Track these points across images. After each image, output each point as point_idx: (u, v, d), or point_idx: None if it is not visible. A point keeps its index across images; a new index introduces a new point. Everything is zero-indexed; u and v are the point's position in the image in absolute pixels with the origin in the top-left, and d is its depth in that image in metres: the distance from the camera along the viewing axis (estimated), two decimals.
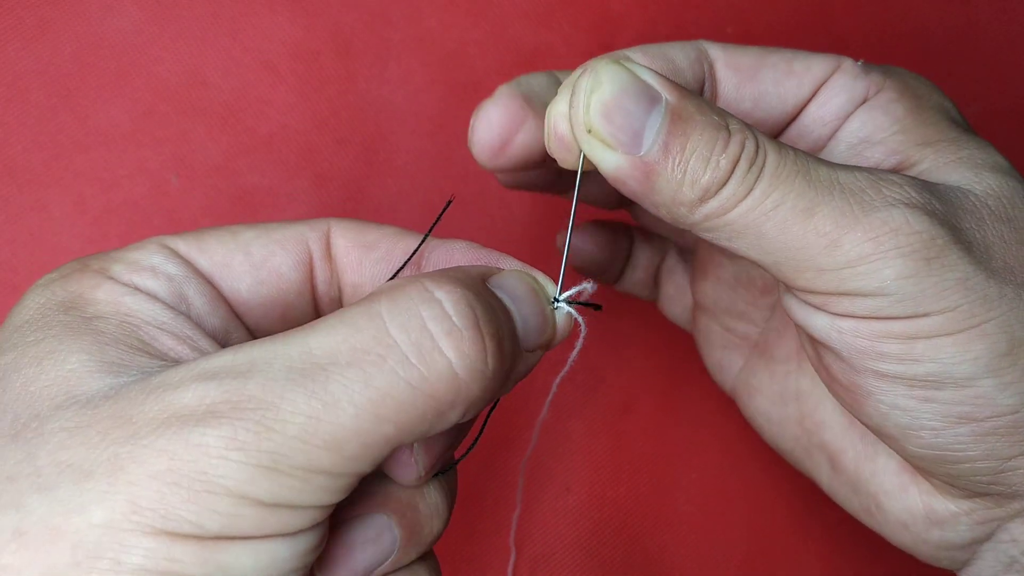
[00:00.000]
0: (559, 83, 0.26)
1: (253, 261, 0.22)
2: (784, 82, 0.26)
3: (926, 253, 0.21)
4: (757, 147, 0.21)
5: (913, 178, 0.23)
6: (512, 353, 0.20)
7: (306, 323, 0.19)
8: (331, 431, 0.17)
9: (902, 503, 0.27)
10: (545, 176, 0.27)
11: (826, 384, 0.25)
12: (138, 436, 0.17)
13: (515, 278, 0.21)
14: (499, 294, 0.20)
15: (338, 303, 0.23)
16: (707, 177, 0.21)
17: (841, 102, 0.26)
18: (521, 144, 0.25)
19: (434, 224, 0.23)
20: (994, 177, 0.23)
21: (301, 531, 0.17)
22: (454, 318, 0.18)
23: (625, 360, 0.40)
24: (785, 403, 0.30)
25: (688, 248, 0.34)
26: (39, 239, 0.37)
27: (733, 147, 0.21)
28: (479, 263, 0.23)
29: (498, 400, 0.22)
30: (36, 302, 0.21)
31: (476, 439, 0.23)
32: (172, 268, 0.21)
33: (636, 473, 0.39)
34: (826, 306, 0.23)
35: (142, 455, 0.16)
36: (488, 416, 0.23)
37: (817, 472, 0.29)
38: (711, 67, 0.26)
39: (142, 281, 0.21)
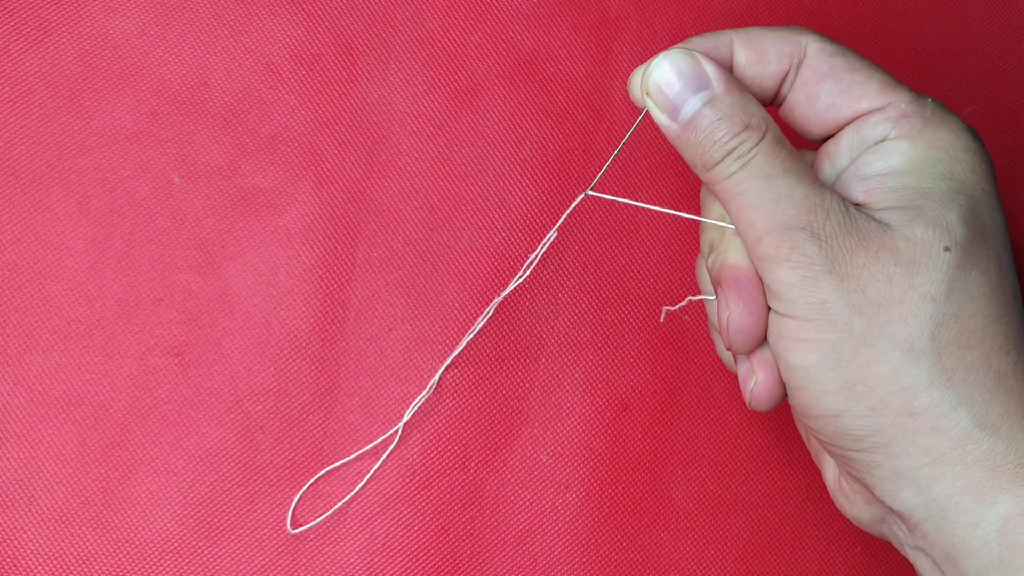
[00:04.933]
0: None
1: None
2: (836, 98, 0.30)
3: (804, 272, 0.27)
4: (755, 146, 0.28)
5: (843, 209, 0.28)
6: None
7: None
8: None
9: (834, 473, 0.33)
10: None
11: None
12: None
13: None
14: None
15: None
16: (710, 153, 0.28)
17: (866, 135, 0.29)
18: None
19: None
20: (923, 228, 0.27)
21: None
22: None
23: (624, 357, 0.40)
24: None
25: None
26: (43, 239, 0.37)
27: (736, 140, 0.28)
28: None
29: None
30: None
31: None
32: None
33: (635, 471, 0.39)
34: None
35: None
36: None
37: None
38: (801, 62, 0.30)
39: None
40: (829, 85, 0.30)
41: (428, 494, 0.38)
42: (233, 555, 0.37)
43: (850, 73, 0.30)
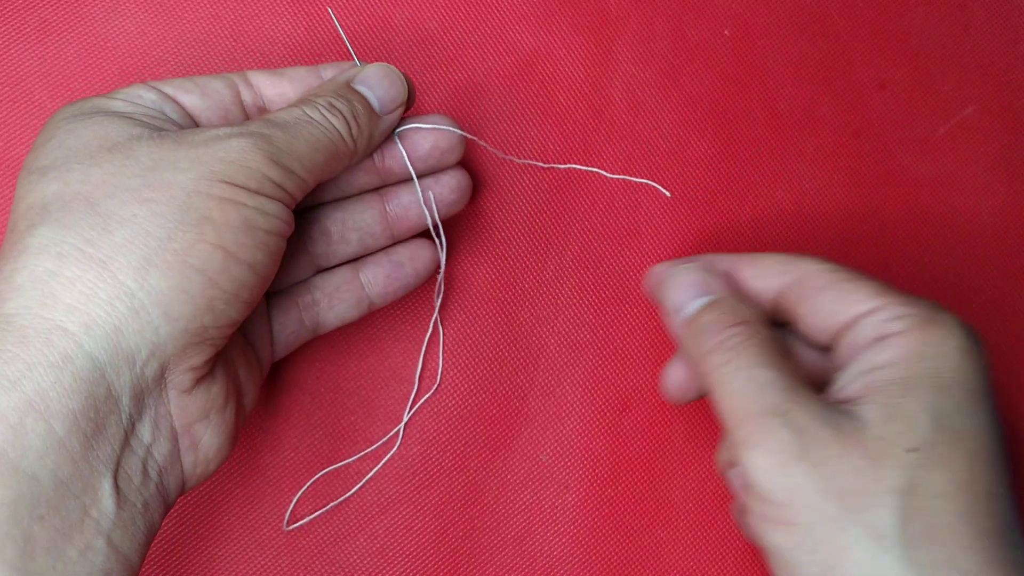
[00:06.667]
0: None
1: (198, 84, 0.33)
2: (834, 305, 0.32)
3: (776, 458, 0.28)
4: (745, 340, 0.31)
5: (819, 404, 0.29)
6: (369, 122, 0.33)
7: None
8: (297, 150, 0.30)
9: None
10: None
11: None
12: (200, 145, 0.29)
13: (370, 71, 0.34)
14: (360, 88, 0.33)
15: (263, 109, 0.35)
16: (706, 341, 0.31)
17: (860, 335, 0.31)
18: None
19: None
20: (894, 427, 0.28)
21: (286, 204, 0.30)
22: (335, 110, 0.32)
23: (624, 357, 0.40)
24: None
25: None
26: None
27: (728, 332, 0.31)
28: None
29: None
30: (66, 112, 0.30)
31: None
32: (153, 95, 0.32)
33: (635, 471, 0.39)
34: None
35: (210, 152, 0.28)
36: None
37: None
38: (800, 279, 0.33)
39: (138, 100, 0.32)
40: (828, 295, 0.32)
41: (428, 494, 0.38)
42: (233, 555, 0.37)
43: (845, 283, 0.32)
